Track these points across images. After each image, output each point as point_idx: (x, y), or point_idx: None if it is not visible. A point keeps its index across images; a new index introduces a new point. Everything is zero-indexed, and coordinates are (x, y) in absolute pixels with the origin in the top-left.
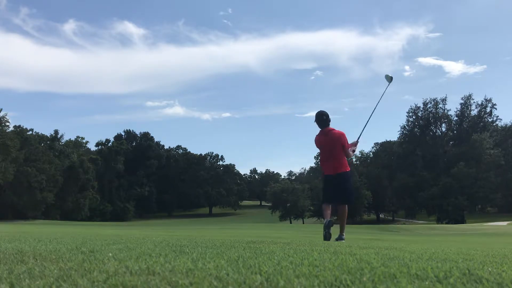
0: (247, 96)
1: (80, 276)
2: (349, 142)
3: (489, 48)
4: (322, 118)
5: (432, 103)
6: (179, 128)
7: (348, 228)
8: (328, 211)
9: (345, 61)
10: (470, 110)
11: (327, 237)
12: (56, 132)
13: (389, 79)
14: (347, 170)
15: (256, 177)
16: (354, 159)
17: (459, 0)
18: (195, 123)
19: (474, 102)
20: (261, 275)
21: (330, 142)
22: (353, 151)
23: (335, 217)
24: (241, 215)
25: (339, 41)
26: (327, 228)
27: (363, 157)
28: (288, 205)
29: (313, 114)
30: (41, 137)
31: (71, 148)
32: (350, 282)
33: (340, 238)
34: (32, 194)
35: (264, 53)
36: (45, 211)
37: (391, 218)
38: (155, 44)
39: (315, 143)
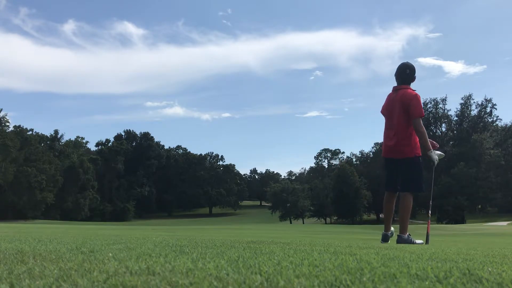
0: (247, 96)
1: (80, 276)
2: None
3: (489, 48)
4: (404, 72)
5: (432, 103)
6: (179, 128)
7: (348, 228)
8: (389, 209)
9: (345, 61)
10: (470, 110)
11: (383, 239)
12: (56, 132)
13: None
14: (412, 155)
15: (256, 177)
16: (354, 159)
17: (459, 0)
18: (195, 123)
19: (474, 102)
20: (261, 275)
21: (393, 102)
22: (430, 147)
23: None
24: (241, 215)
25: (339, 41)
26: (383, 241)
27: (363, 157)
28: (288, 205)
29: (313, 114)
30: (41, 137)
31: (71, 148)
32: (350, 282)
33: (399, 239)
34: (32, 194)
35: (264, 53)
36: (45, 211)
37: None
38: (155, 44)
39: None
